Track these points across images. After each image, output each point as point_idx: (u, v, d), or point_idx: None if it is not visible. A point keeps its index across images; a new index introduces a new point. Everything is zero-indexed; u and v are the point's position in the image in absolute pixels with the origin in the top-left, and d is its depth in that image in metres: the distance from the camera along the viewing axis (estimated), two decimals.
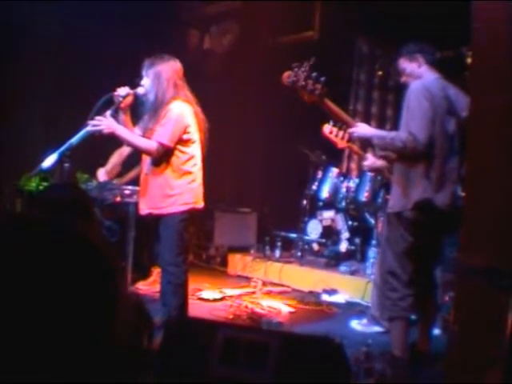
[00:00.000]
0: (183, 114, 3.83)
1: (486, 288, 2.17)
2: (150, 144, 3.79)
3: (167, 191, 3.84)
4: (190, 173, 3.88)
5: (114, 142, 4.02)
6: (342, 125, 4.17)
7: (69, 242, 0.89)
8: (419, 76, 3.73)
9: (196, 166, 3.92)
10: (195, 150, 3.92)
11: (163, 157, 3.84)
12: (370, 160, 4.02)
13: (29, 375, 0.81)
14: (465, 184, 2.96)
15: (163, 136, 3.77)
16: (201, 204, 3.99)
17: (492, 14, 2.43)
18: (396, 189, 3.65)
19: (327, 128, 4.28)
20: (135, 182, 4.74)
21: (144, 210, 3.97)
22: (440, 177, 3.50)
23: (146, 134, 3.87)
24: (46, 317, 0.83)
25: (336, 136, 4.25)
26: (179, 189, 3.85)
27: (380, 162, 4.12)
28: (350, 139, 4.15)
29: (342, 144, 4.26)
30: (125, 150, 5.29)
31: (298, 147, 6.78)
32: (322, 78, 3.58)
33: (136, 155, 4.44)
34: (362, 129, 3.78)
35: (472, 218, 2.38)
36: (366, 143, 3.85)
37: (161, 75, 3.83)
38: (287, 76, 3.61)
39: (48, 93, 6.68)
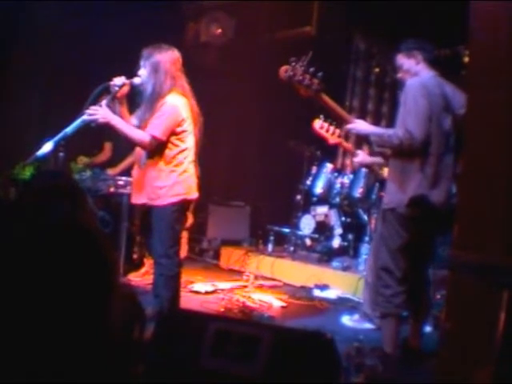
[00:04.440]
0: (178, 108, 3.82)
1: (478, 285, 2.17)
2: (144, 136, 3.78)
3: (158, 183, 3.84)
4: (180, 164, 3.87)
5: (108, 132, 4.00)
6: (332, 120, 4.15)
7: (63, 230, 0.88)
8: (416, 73, 3.72)
9: (187, 159, 3.91)
10: (188, 143, 3.91)
11: (156, 149, 3.83)
12: (361, 156, 4.03)
13: (18, 362, 0.80)
14: (459, 179, 2.96)
15: (156, 129, 3.77)
16: (194, 195, 3.98)
17: (490, 13, 2.43)
18: (391, 185, 3.65)
19: (318, 123, 4.27)
20: (129, 172, 4.73)
21: (140, 199, 3.95)
22: (435, 173, 3.50)
23: (142, 125, 3.86)
24: (36, 305, 0.82)
25: (327, 131, 4.24)
26: (170, 180, 3.84)
27: (370, 159, 4.13)
28: (344, 135, 4.15)
29: (333, 140, 4.25)
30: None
31: (292, 143, 6.78)
32: (320, 74, 3.58)
33: (129, 145, 4.42)
34: (360, 125, 3.77)
35: (466, 214, 2.38)
36: (362, 140, 3.85)
37: (159, 67, 3.81)
38: (284, 70, 3.60)
39: (44, 82, 6.65)
